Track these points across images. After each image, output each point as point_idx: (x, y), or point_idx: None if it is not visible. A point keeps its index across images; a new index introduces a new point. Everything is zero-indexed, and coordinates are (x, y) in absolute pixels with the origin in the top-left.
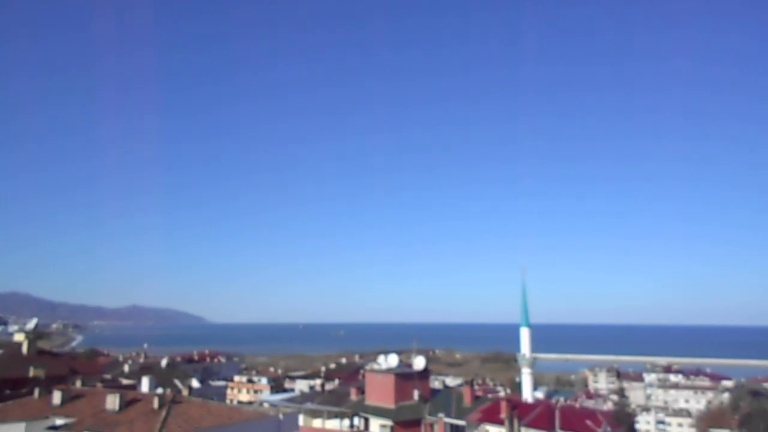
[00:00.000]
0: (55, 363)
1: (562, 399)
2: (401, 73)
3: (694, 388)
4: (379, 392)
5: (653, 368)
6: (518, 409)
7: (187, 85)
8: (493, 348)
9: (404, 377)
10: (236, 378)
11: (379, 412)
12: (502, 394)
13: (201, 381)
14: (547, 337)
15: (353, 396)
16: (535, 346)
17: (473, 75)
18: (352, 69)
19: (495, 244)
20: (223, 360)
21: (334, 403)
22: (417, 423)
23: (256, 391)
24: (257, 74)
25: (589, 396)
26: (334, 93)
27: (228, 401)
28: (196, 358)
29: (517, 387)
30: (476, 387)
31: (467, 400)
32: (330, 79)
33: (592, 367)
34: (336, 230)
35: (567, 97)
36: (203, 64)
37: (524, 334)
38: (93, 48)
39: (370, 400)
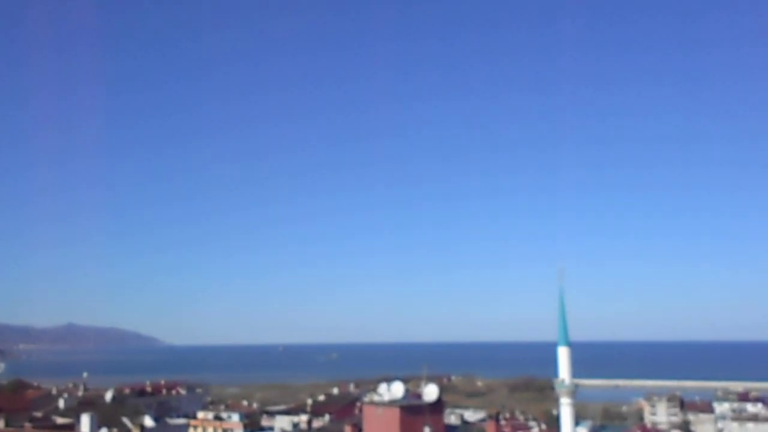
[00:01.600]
0: None
1: None
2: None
3: None
4: (381, 430)
5: (726, 396)
6: None
7: (140, 87)
8: (524, 373)
9: (412, 411)
10: (200, 414)
11: None
12: (535, 430)
13: (156, 419)
14: (591, 358)
15: None
16: (577, 370)
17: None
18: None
19: (523, 247)
20: (183, 392)
21: None
22: None
23: (225, 431)
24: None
25: None
26: (327, 91)
27: None
28: (149, 389)
29: (554, 421)
30: (503, 422)
31: None
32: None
33: (649, 395)
34: (324, 231)
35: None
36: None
37: (562, 355)
38: (20, 43)
39: None
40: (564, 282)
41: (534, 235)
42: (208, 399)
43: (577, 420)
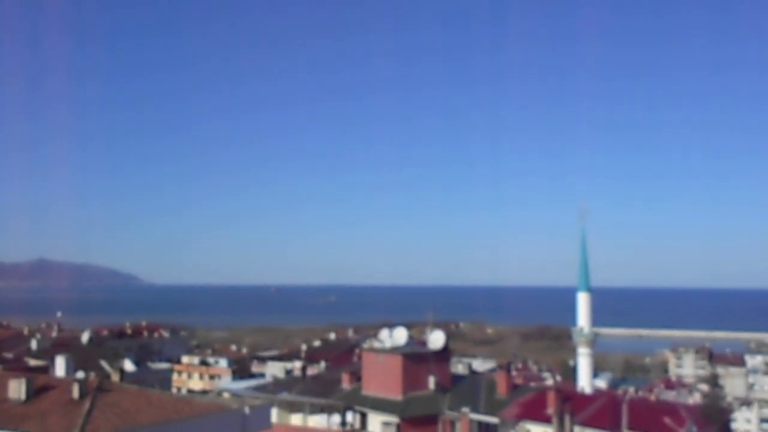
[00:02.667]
0: None
1: (632, 389)
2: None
3: None
4: (382, 379)
5: (759, 348)
6: (571, 402)
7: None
8: (539, 320)
9: (416, 359)
10: (185, 359)
11: (382, 406)
12: (549, 382)
13: (137, 363)
14: (612, 305)
15: (346, 384)
16: (597, 318)
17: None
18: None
19: (539, 184)
20: (166, 335)
21: (320, 393)
22: (433, 420)
23: (212, 377)
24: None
25: (670, 385)
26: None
27: (174, 390)
28: (129, 331)
29: (570, 373)
30: (514, 372)
31: (502, 390)
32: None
33: (675, 346)
34: (320, 164)
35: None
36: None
37: (582, 302)
38: None
39: (369, 390)
40: (586, 222)
41: (552, 172)
42: (193, 343)
43: (596, 372)
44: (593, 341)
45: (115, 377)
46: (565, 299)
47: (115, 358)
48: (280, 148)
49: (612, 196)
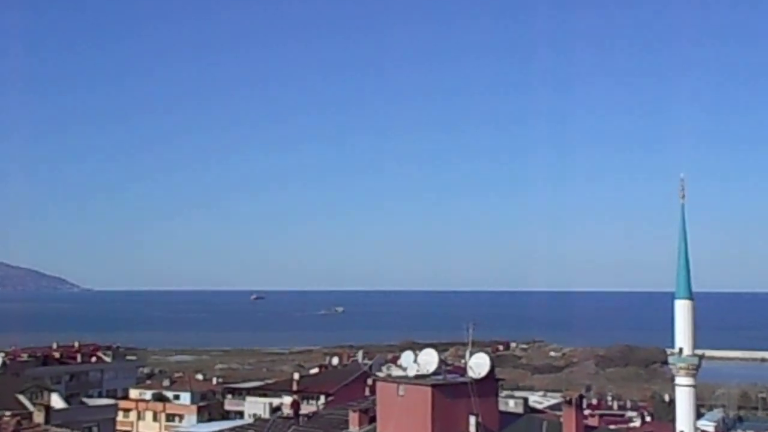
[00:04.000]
0: None
1: None
2: None
3: None
4: (404, 420)
5: None
6: None
7: None
8: (620, 339)
9: (451, 392)
10: (133, 393)
11: None
12: (636, 423)
13: (67, 398)
14: (723, 317)
15: (354, 426)
16: (703, 336)
17: None
18: None
19: (619, 153)
20: (107, 359)
21: None
22: None
23: (171, 418)
24: None
25: None
26: None
27: None
28: (57, 355)
29: (665, 411)
30: (587, 410)
31: None
32: None
33: None
34: (316, 129)
35: None
36: None
37: (682, 313)
38: None
39: None
40: (686, 202)
41: (637, 138)
42: (145, 371)
43: (701, 409)
44: (697, 367)
45: (39, 417)
46: (656, 310)
47: (38, 392)
48: (252, 118)
49: (716, 173)
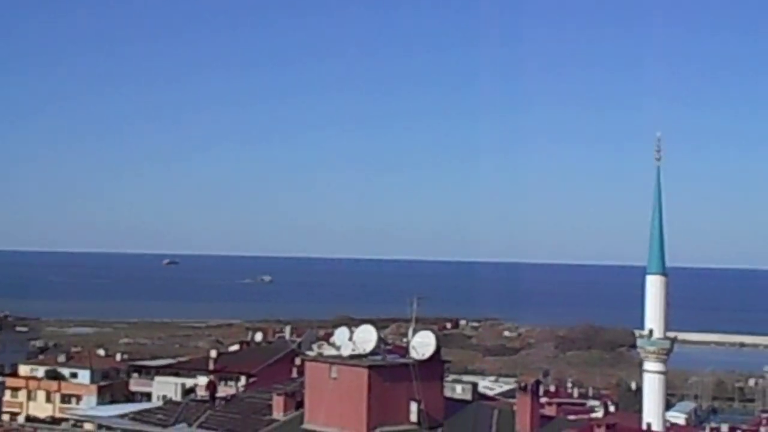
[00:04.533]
0: None
1: (725, 427)
2: None
3: None
4: (336, 405)
5: None
6: None
7: None
8: (583, 317)
9: (390, 375)
10: (23, 369)
11: None
12: (599, 413)
13: None
14: (698, 296)
15: (278, 412)
16: (676, 316)
17: None
18: None
19: (585, 110)
20: None
21: (238, 426)
22: None
23: (67, 398)
24: None
25: None
26: None
27: (5, 417)
28: None
29: (631, 400)
30: (544, 398)
31: (524, 425)
32: None
33: None
34: (243, 89)
35: None
36: None
37: (653, 289)
38: None
39: (316, 422)
40: (662, 163)
41: (607, 94)
42: (37, 344)
43: (671, 399)
44: (669, 352)
45: None
46: (625, 286)
47: None
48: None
49: (696, 135)
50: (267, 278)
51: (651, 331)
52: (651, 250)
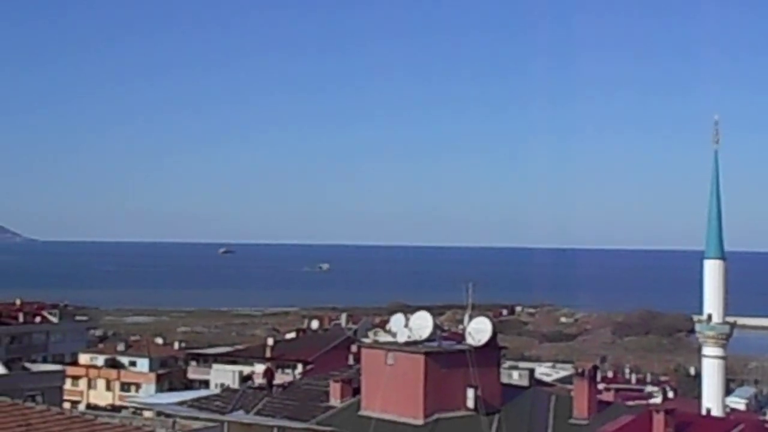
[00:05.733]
0: None
1: None
2: None
3: None
4: (392, 392)
5: None
6: (690, 429)
7: None
8: (640, 303)
9: (447, 361)
10: (83, 358)
11: None
12: (657, 399)
13: (7, 363)
14: (759, 281)
15: (335, 399)
16: (736, 302)
17: None
18: None
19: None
20: (54, 320)
21: (295, 413)
22: None
23: (126, 387)
24: None
25: None
26: None
27: (67, 405)
28: None
29: (690, 386)
30: (601, 384)
31: (581, 411)
32: None
33: None
34: (304, 78)
35: None
36: None
37: (712, 274)
38: None
39: (372, 409)
40: (719, 147)
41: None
42: (97, 333)
43: (731, 385)
44: (728, 337)
45: None
46: (683, 271)
47: None
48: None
49: (754, 119)
50: (325, 266)
51: (710, 316)
52: (709, 234)
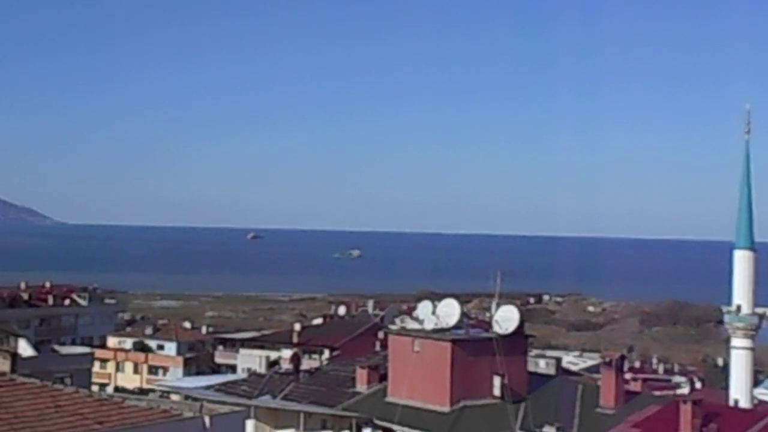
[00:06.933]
0: None
1: None
2: None
3: None
4: (419, 379)
5: None
6: (718, 420)
7: None
8: (668, 293)
9: (473, 349)
10: (112, 341)
11: (418, 420)
12: (684, 389)
13: (37, 345)
14: None
15: (362, 385)
16: (765, 293)
17: None
18: None
19: (667, 90)
20: (83, 303)
21: (322, 399)
22: None
23: (154, 370)
24: None
25: None
26: None
27: (95, 387)
28: (26, 296)
29: (718, 376)
30: (628, 374)
31: (608, 401)
32: None
33: None
34: (327, 63)
35: None
36: None
37: (741, 264)
38: None
39: (399, 395)
40: (750, 137)
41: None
42: (125, 316)
43: (760, 374)
44: (757, 328)
45: (4, 365)
46: (712, 261)
47: (3, 337)
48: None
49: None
50: (356, 253)
51: (739, 307)
52: (739, 224)
